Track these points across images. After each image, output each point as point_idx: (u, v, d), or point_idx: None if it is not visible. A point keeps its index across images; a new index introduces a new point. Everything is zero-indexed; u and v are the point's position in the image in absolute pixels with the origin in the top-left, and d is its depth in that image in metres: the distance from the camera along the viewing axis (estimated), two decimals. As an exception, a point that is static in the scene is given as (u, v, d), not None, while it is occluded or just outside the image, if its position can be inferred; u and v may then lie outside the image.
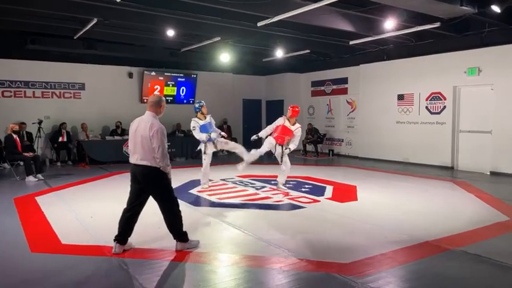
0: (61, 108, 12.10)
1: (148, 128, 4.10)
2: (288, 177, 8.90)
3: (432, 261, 4.08)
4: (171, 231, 4.34)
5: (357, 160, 12.63)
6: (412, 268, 3.88)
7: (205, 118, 7.64)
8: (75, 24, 9.38)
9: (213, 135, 7.56)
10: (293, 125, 7.49)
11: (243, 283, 3.55)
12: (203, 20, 9.03)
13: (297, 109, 7.56)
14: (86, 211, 6.03)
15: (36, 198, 6.97)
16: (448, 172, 10.02)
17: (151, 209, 4.41)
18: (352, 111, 13.51)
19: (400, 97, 11.79)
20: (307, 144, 13.71)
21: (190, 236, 4.58)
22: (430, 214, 5.95)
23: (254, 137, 7.71)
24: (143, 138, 4.12)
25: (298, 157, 13.41)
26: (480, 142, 9.87)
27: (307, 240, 4.79)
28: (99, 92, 12.63)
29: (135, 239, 4.44)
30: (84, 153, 11.29)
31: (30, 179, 8.68)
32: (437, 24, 8.67)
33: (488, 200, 6.78)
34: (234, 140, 14.66)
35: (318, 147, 13.66)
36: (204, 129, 7.51)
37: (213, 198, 6.94)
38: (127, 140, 11.83)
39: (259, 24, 8.82)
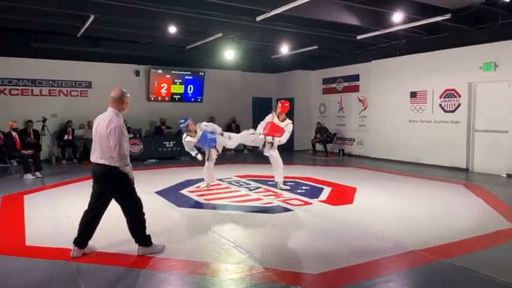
0: (68, 106, 12.15)
1: (106, 125, 3.88)
2: (288, 177, 8.57)
3: (411, 274, 3.68)
4: (132, 234, 4.10)
5: (367, 160, 12.11)
6: (385, 282, 3.48)
7: (196, 134, 7.09)
8: (75, 21, 9.32)
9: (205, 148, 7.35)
10: (282, 121, 7.18)
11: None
12: (203, 16, 8.79)
13: (286, 105, 7.26)
14: (66, 211, 5.88)
15: (25, 196, 6.91)
16: (461, 174, 9.40)
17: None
18: (364, 109, 12.99)
19: (413, 94, 11.20)
20: (316, 144, 13.27)
21: (160, 239, 4.35)
22: (427, 220, 5.48)
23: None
24: (101, 136, 3.91)
25: (307, 157, 13.04)
26: (496, 142, 9.21)
27: (281, 246, 4.47)
28: (106, 90, 12.23)
29: (100, 242, 4.23)
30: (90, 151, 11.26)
31: (28, 176, 8.68)
32: (447, 16, 8.12)
33: (497, 205, 6.22)
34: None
35: (328, 146, 13.20)
36: (202, 142, 7.20)
37: (201, 199, 6.68)
38: (131, 138, 11.85)
39: (258, 18, 8.51)
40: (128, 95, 4.20)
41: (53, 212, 5.87)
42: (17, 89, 11.53)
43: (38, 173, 8.92)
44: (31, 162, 8.94)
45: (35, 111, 11.29)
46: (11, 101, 11.35)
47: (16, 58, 11.33)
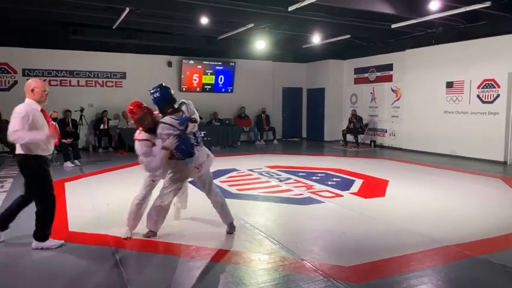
0: (104, 97, 12.51)
1: None
2: (318, 168, 8.61)
3: (445, 269, 3.64)
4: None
5: (400, 152, 11.90)
6: (418, 277, 3.46)
7: None
8: (111, 14, 9.54)
9: None
10: None
11: (224, 281, 3.37)
12: (235, 7, 8.82)
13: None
14: (105, 198, 6.14)
15: (66, 183, 7.23)
16: (499, 167, 9.10)
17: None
18: (397, 99, 12.71)
19: (449, 85, 10.86)
20: (347, 135, 13.12)
21: (193, 228, 4.49)
22: (462, 215, 5.38)
23: None
24: None
25: (337, 148, 12.94)
26: (538, 135, 8.86)
27: (312, 238, 4.50)
28: (139, 81, 12.84)
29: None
30: (124, 140, 11.63)
31: (68, 164, 9.06)
32: (487, 4, 7.81)
33: (537, 200, 6.03)
34: (272, 129, 14.46)
35: (359, 137, 13.03)
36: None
37: (232, 189, 6.79)
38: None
39: (290, 8, 8.46)
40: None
41: (93, 199, 6.13)
42: (56, 80, 11.98)
43: (76, 161, 9.29)
44: (70, 150, 9.31)
45: (73, 102, 11.69)
46: (51, 92, 11.36)
47: (55, 50, 11.75)
